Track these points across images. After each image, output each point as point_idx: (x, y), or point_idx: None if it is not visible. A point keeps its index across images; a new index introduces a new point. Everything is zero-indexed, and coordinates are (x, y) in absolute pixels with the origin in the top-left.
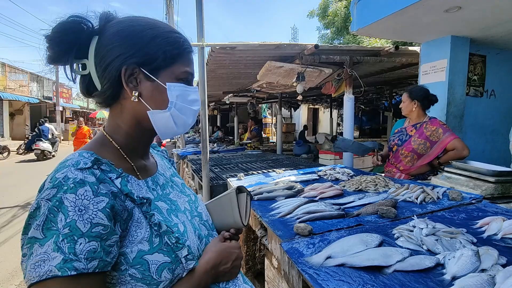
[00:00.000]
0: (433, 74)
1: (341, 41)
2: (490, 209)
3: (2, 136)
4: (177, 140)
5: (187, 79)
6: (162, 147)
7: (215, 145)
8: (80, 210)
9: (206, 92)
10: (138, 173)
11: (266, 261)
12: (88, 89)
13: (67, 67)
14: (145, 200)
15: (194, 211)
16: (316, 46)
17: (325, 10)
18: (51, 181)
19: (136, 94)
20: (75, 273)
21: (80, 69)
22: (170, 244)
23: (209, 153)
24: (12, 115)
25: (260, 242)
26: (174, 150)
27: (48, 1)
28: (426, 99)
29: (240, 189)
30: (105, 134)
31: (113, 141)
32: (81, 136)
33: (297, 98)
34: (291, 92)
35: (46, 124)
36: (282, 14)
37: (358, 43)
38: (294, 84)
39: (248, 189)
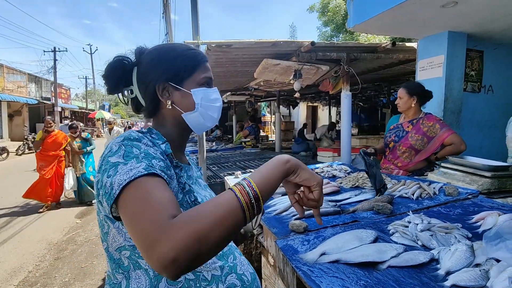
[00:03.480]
0: (430, 70)
1: (339, 39)
2: (486, 204)
3: (1, 137)
4: None
5: (207, 83)
6: None
7: (214, 143)
8: (147, 146)
9: None
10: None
11: (263, 259)
12: (137, 107)
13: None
14: (180, 164)
15: None
16: (312, 43)
17: (325, 7)
18: (116, 138)
19: (169, 102)
20: (159, 172)
21: (130, 94)
22: (190, 202)
23: (208, 151)
24: (10, 116)
25: (256, 239)
26: None
27: (45, 2)
28: (423, 94)
29: None
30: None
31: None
32: (50, 147)
33: (295, 95)
34: (289, 90)
35: None
36: (280, 12)
37: (356, 41)
38: (291, 82)
39: None
